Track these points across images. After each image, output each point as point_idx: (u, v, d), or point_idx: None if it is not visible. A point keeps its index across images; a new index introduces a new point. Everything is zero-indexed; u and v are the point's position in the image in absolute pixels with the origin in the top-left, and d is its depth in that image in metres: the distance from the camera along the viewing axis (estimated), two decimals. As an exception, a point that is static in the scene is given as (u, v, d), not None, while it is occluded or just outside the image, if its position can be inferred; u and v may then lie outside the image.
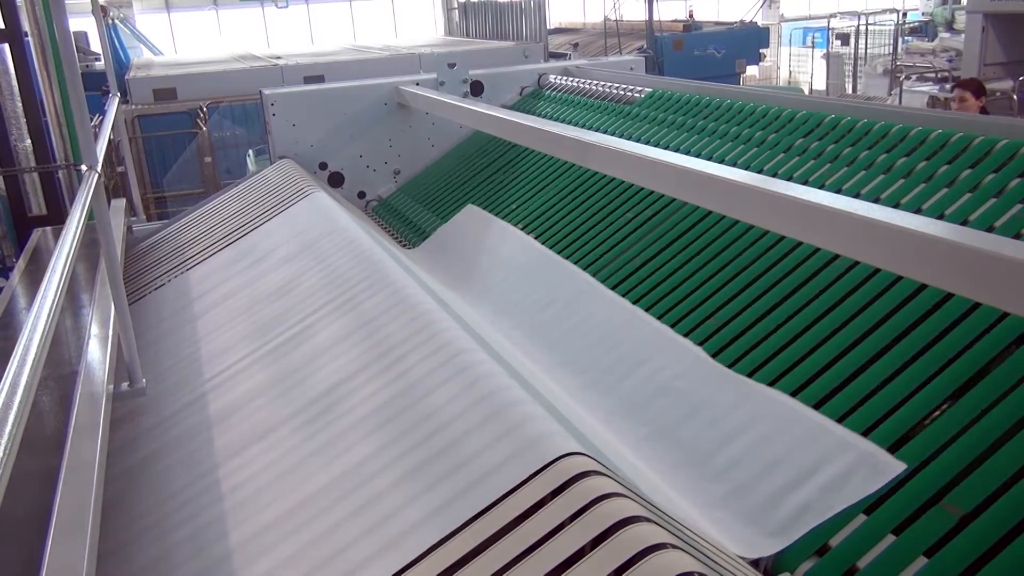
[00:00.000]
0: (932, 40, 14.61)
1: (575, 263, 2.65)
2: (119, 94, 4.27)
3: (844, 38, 14.83)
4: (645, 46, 10.58)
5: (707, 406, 1.86)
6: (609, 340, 2.25)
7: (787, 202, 1.62)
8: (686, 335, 2.09)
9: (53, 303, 1.36)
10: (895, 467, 1.48)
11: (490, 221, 3.22)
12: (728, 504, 1.62)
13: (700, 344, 2.03)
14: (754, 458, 1.66)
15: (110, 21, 11.27)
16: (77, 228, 1.79)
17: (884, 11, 14.97)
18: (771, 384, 1.80)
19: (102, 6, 7.37)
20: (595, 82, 4.01)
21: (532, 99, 4.34)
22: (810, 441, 1.62)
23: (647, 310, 2.26)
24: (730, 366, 1.92)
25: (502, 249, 3.00)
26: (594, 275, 2.53)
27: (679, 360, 2.03)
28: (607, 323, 2.31)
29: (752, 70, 13.64)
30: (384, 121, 4.24)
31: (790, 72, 17.36)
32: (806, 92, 14.14)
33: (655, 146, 2.82)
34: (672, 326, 2.15)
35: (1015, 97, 8.28)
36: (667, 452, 1.82)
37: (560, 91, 4.22)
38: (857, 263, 1.95)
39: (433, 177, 4.10)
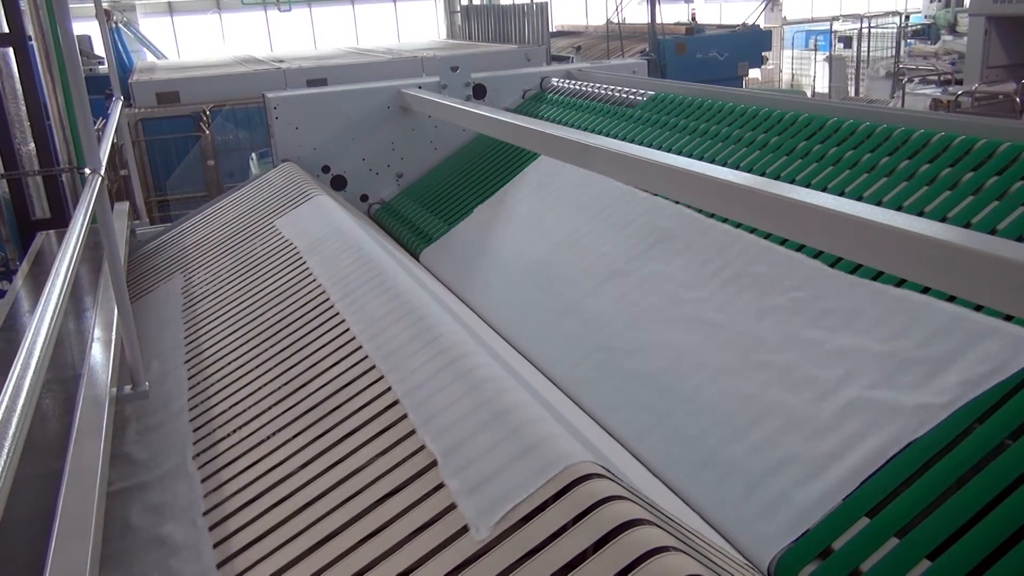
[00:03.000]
0: (935, 43, 14.63)
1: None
2: (122, 98, 4.28)
3: (846, 41, 14.84)
4: (647, 49, 10.59)
5: (716, 404, 1.86)
6: (612, 341, 2.25)
7: (790, 205, 1.62)
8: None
9: (56, 306, 1.36)
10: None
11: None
12: (733, 502, 1.62)
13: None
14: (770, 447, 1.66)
15: (113, 25, 11.31)
16: (80, 231, 1.79)
17: (887, 14, 15.00)
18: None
19: (106, 10, 7.40)
20: (597, 85, 4.01)
21: (534, 102, 4.34)
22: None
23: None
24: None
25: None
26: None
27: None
28: (610, 324, 2.31)
29: (755, 73, 13.65)
30: (387, 124, 4.24)
31: (792, 75, 17.36)
32: (808, 95, 14.12)
33: (657, 149, 2.82)
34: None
35: (1018, 100, 8.27)
36: (673, 448, 1.82)
37: (562, 94, 4.22)
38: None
39: (436, 180, 4.10)
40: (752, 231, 2.29)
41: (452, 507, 1.30)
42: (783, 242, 2.18)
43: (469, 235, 3.36)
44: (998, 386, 1.52)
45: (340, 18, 18.79)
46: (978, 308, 1.66)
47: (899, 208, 2.11)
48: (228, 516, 1.58)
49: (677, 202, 2.59)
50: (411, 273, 2.36)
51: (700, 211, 2.49)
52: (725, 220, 2.38)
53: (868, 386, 1.67)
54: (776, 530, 1.52)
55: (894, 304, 1.79)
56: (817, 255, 2.07)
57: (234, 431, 1.88)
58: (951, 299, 1.71)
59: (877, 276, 1.89)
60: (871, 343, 1.75)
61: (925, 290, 1.77)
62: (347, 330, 2.05)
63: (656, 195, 2.68)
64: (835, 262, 2.01)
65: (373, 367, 1.82)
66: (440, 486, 1.36)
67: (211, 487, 1.70)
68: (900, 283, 1.83)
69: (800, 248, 2.13)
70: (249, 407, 1.95)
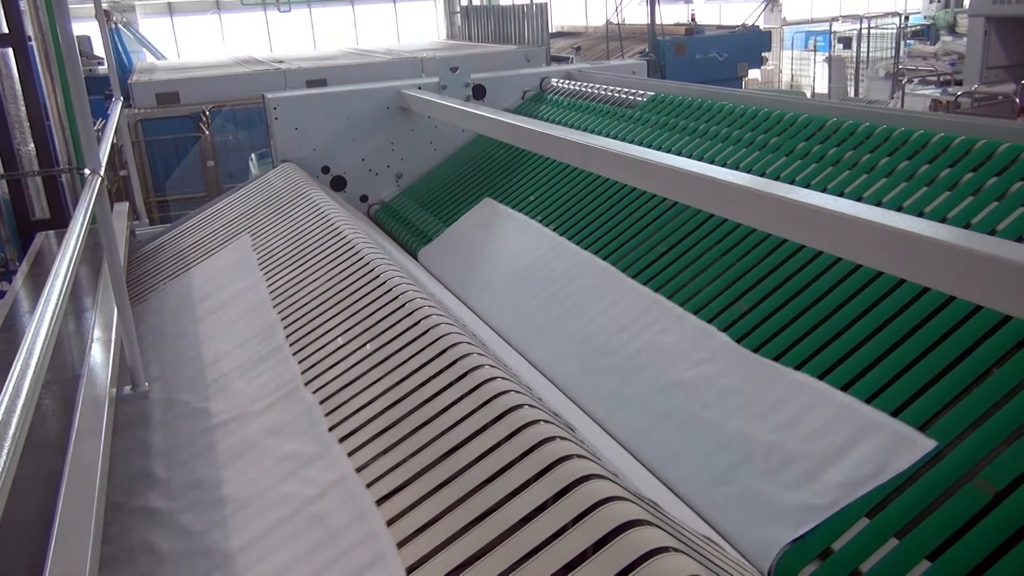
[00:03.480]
0: (934, 44, 14.64)
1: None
2: (122, 98, 4.28)
3: (846, 42, 14.85)
4: (647, 50, 10.60)
5: (721, 399, 1.86)
6: (614, 341, 2.25)
7: (789, 205, 1.62)
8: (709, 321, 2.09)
9: (56, 307, 1.36)
10: (925, 445, 1.47)
11: (503, 215, 3.22)
12: (734, 504, 1.62)
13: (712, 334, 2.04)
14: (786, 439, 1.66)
15: (113, 25, 11.31)
16: (80, 232, 1.79)
17: (886, 14, 15.02)
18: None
19: (105, 10, 7.40)
20: (597, 86, 4.01)
21: (534, 103, 4.35)
22: (839, 421, 1.62)
23: (651, 312, 2.26)
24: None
25: (512, 243, 3.00)
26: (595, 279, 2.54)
27: (688, 354, 2.03)
28: (611, 325, 2.32)
29: (754, 74, 13.67)
30: (386, 125, 4.24)
31: (792, 76, 17.37)
32: (808, 96, 14.13)
33: (657, 150, 2.83)
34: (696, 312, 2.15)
35: (1017, 100, 8.27)
36: (675, 449, 1.82)
37: (562, 95, 4.22)
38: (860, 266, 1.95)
39: (435, 180, 4.10)
40: (672, 295, 2.28)
41: (452, 507, 1.30)
42: (697, 311, 2.17)
43: (467, 234, 3.37)
44: (994, 382, 1.52)
45: (340, 19, 18.80)
46: (870, 399, 1.64)
47: (899, 209, 2.11)
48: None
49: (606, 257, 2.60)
50: (410, 273, 2.36)
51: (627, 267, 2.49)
52: (648, 282, 2.38)
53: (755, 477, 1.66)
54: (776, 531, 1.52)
55: (792, 388, 1.78)
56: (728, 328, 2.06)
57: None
58: (848, 385, 1.70)
59: (779, 356, 1.88)
60: (763, 432, 1.74)
61: (824, 374, 1.76)
62: (346, 329, 2.05)
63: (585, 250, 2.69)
64: (742, 338, 1.99)
65: (373, 367, 1.82)
66: (440, 486, 1.36)
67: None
68: (800, 365, 1.82)
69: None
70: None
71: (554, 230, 2.96)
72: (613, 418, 2.04)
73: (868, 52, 13.62)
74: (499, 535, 1.19)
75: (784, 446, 1.66)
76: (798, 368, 1.82)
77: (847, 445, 1.58)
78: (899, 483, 1.47)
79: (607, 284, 2.49)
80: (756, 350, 1.94)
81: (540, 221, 3.07)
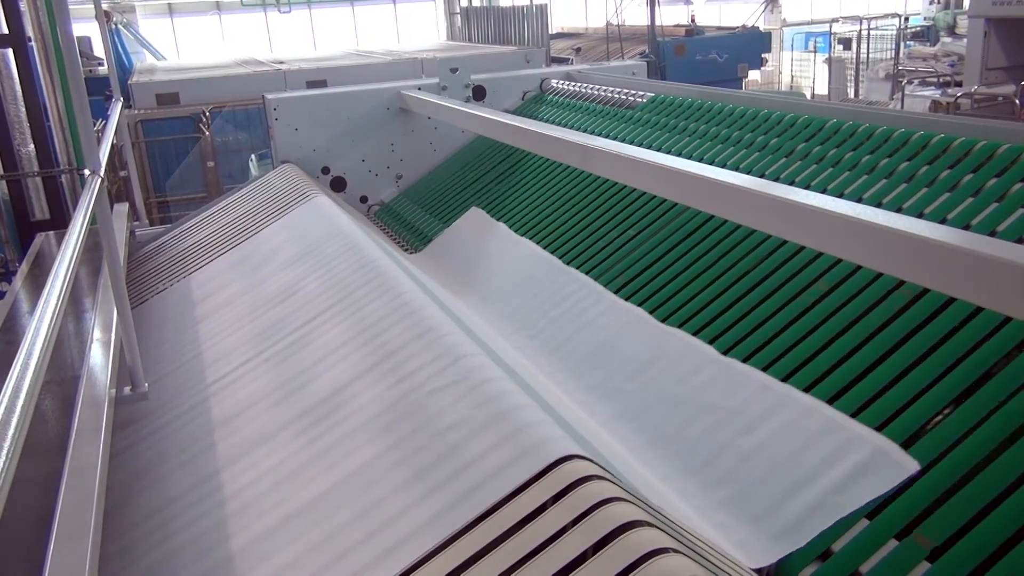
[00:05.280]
0: (934, 45, 14.64)
1: (577, 267, 2.65)
2: (122, 99, 4.28)
3: (846, 43, 14.86)
4: (647, 51, 10.60)
5: (717, 406, 1.86)
6: (613, 343, 2.25)
7: (789, 206, 1.62)
8: (694, 334, 2.09)
9: (56, 307, 1.36)
10: (909, 465, 1.47)
11: (493, 225, 3.22)
12: (735, 505, 1.62)
13: (709, 343, 2.03)
14: (767, 453, 1.66)
15: (113, 26, 11.31)
16: (80, 232, 1.79)
17: (886, 16, 15.01)
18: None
19: (105, 11, 7.39)
20: (597, 87, 4.01)
21: (534, 104, 4.35)
22: (824, 436, 1.62)
23: (652, 312, 2.26)
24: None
25: (505, 254, 3.00)
26: (597, 279, 2.54)
27: (686, 359, 2.03)
28: (611, 326, 2.31)
29: (754, 75, 13.67)
30: (386, 126, 4.24)
31: (792, 77, 17.38)
32: (808, 97, 14.14)
33: (657, 150, 2.83)
34: (679, 326, 2.15)
35: (1017, 102, 8.27)
36: (674, 452, 1.82)
37: (562, 96, 4.22)
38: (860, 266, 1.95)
39: (435, 181, 4.10)
40: (664, 302, 2.27)
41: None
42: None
43: (467, 234, 3.37)
44: (995, 382, 1.52)
45: (340, 19, 18.79)
46: (868, 403, 1.63)
47: (899, 210, 2.11)
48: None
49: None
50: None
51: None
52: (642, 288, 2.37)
53: None
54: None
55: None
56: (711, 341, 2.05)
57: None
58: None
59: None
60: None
61: (823, 375, 1.75)
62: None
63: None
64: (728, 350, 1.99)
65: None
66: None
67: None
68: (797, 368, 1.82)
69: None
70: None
71: (553, 231, 2.96)
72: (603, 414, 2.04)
73: (868, 53, 13.62)
74: (499, 536, 1.19)
75: (775, 453, 1.66)
76: (795, 372, 1.82)
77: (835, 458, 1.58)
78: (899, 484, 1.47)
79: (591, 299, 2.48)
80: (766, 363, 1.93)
81: (531, 230, 3.06)
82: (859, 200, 2.22)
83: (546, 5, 10.02)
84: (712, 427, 1.82)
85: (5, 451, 0.91)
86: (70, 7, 2.18)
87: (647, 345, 2.16)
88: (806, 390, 1.75)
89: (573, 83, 4.27)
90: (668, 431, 1.88)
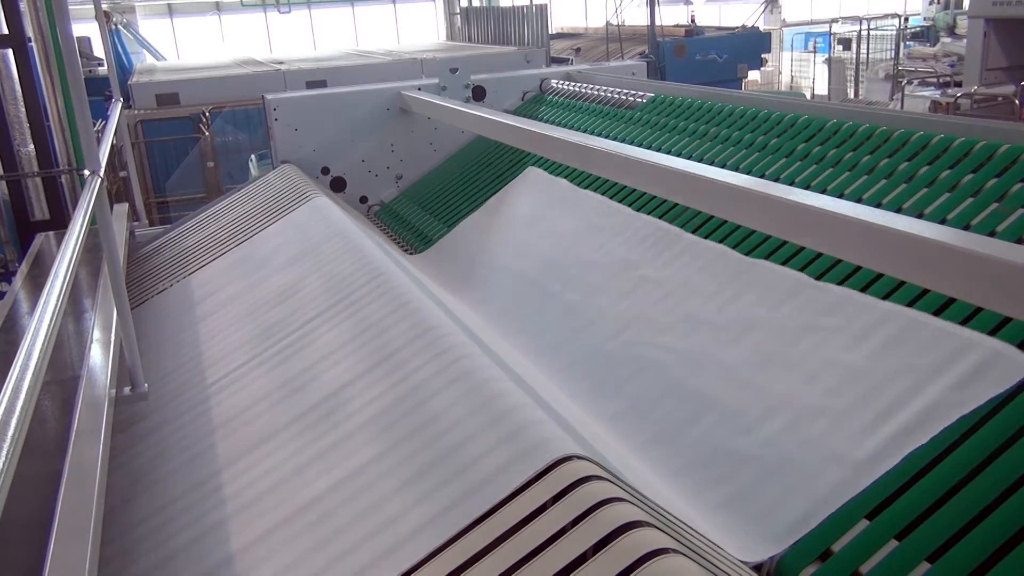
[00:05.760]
0: (934, 45, 14.65)
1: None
2: (122, 99, 4.28)
3: (846, 43, 14.86)
4: (647, 51, 10.60)
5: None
6: (695, 280, 2.25)
7: (789, 207, 1.62)
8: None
9: (56, 308, 1.36)
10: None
11: (554, 182, 3.19)
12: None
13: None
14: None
15: (113, 27, 11.32)
16: (80, 233, 1.79)
17: (886, 16, 15.02)
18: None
19: (105, 12, 7.40)
20: (597, 87, 4.01)
21: (534, 104, 4.35)
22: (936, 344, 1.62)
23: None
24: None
25: (570, 205, 2.98)
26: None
27: (778, 286, 2.02)
28: (692, 264, 2.32)
29: (754, 75, 13.67)
30: (386, 126, 4.24)
31: (792, 77, 17.39)
32: (808, 97, 14.15)
33: (657, 151, 2.83)
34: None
35: (1017, 102, 8.28)
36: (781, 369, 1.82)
37: (562, 96, 4.22)
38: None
39: (435, 182, 4.10)
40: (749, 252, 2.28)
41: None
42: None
43: (468, 236, 3.36)
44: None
45: (339, 20, 18.80)
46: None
47: (898, 210, 2.11)
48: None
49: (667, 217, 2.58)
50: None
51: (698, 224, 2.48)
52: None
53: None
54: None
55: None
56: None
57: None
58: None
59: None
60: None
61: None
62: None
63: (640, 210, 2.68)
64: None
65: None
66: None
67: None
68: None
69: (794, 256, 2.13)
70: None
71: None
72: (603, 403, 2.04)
73: (868, 53, 13.63)
74: (499, 536, 1.19)
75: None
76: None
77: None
78: (899, 484, 1.47)
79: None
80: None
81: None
82: (859, 200, 2.22)
83: (546, 5, 10.03)
84: (816, 344, 1.82)
85: (5, 451, 0.91)
86: (70, 7, 2.18)
87: (732, 276, 2.16)
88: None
89: (573, 83, 4.27)
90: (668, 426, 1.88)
